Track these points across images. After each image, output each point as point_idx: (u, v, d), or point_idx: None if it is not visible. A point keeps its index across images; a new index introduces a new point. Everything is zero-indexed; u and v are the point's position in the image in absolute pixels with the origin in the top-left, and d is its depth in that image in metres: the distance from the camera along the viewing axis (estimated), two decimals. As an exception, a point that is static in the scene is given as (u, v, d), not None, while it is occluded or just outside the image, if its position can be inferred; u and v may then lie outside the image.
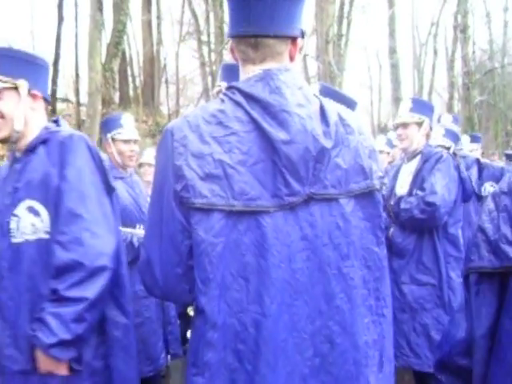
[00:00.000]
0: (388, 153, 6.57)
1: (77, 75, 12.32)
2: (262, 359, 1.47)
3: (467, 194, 3.94)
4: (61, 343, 1.98)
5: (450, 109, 22.75)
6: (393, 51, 19.63)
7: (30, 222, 2.11)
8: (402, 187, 3.91)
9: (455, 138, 5.11)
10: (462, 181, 3.86)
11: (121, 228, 3.63)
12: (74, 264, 2.02)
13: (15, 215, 2.13)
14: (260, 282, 1.48)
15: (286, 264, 1.49)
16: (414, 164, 3.91)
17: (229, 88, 1.61)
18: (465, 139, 7.22)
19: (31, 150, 2.20)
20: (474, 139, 7.27)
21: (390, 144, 6.57)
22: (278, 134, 1.50)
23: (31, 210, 2.12)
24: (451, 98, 23.10)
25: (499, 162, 7.92)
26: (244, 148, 1.50)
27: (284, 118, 1.52)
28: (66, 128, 2.34)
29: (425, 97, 24.38)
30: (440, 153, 3.82)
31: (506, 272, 1.36)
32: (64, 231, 2.05)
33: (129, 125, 4.07)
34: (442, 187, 3.65)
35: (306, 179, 1.51)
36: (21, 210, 2.12)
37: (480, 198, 5.30)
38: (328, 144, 1.54)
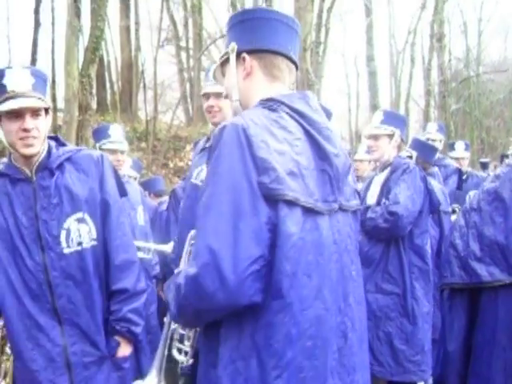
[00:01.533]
0: (369, 161, 6.62)
1: (53, 81, 12.19)
2: (329, 353, 1.61)
3: (433, 205, 4.00)
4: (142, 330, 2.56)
5: (426, 116, 22.97)
6: (370, 59, 19.82)
7: (85, 232, 2.44)
8: (372, 197, 3.97)
9: (424, 147, 5.17)
10: (428, 192, 3.92)
11: None
12: (129, 263, 2.53)
13: (64, 228, 2.40)
14: (320, 279, 1.60)
15: (331, 264, 1.66)
16: (385, 175, 3.97)
17: (270, 100, 1.72)
18: (459, 146, 7.22)
19: (57, 167, 2.44)
20: (467, 148, 7.25)
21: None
22: (329, 147, 1.70)
23: (82, 221, 2.43)
24: (428, 105, 23.32)
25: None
26: (307, 154, 1.65)
27: (328, 135, 1.73)
28: (72, 145, 2.70)
29: (402, 104, 24.60)
30: (407, 164, 3.89)
31: (477, 288, 1.38)
32: (117, 236, 2.51)
33: (117, 135, 4.14)
34: (405, 197, 3.72)
35: (341, 190, 1.74)
36: (70, 222, 2.41)
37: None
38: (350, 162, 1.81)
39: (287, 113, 1.68)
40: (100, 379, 2.48)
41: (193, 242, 1.76)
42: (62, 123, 10.24)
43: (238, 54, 1.80)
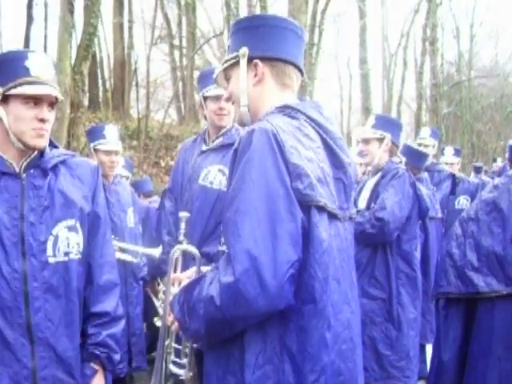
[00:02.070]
0: (360, 164, 6.61)
1: (45, 77, 12.10)
2: (358, 355, 1.71)
3: (423, 211, 4.00)
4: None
5: (418, 119, 23.09)
6: (363, 61, 19.88)
7: (75, 242, 2.19)
8: (363, 201, 3.97)
9: (414, 153, 5.18)
10: (417, 198, 3.91)
11: None
12: (113, 284, 2.32)
13: (53, 235, 2.12)
14: (346, 283, 1.69)
15: (350, 269, 1.76)
16: (376, 179, 3.98)
17: (287, 107, 1.73)
18: (448, 151, 7.27)
19: (52, 168, 2.20)
20: (456, 153, 7.32)
21: (361, 155, 6.61)
22: (344, 157, 1.75)
23: (72, 228, 2.18)
24: (419, 108, 23.45)
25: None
26: (327, 162, 1.69)
27: (341, 145, 1.77)
28: (62, 148, 2.43)
29: (394, 107, 24.70)
30: (397, 169, 3.88)
31: (473, 298, 1.38)
32: (103, 254, 2.30)
33: (112, 136, 4.13)
34: (392, 203, 3.72)
35: (350, 198, 1.79)
36: (60, 229, 2.14)
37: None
38: None
39: (305, 121, 1.71)
40: None
41: (222, 248, 1.80)
42: (54, 120, 10.19)
43: (249, 60, 1.79)
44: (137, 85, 17.39)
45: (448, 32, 26.14)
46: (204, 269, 1.93)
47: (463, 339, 1.41)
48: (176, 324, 1.73)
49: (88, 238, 2.25)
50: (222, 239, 1.75)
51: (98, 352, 2.22)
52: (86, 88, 11.13)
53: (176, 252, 2.10)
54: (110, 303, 2.28)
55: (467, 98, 25.77)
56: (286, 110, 1.72)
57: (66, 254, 2.14)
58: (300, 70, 1.87)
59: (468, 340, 1.41)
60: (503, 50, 30.99)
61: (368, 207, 3.88)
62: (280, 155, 1.54)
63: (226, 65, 1.88)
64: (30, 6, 12.42)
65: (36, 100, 2.11)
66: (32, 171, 2.16)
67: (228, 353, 1.59)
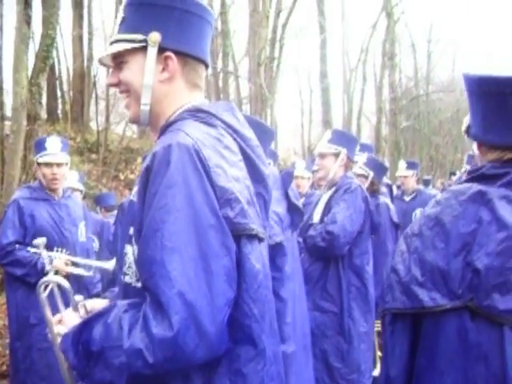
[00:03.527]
0: (308, 178, 6.65)
1: (1, 88, 11.88)
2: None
3: (374, 226, 4.06)
4: None
5: (377, 133, 23.43)
6: (323, 75, 20.06)
7: None
8: (318, 215, 4.00)
9: (377, 167, 5.23)
10: (369, 213, 3.96)
11: (29, 248, 3.64)
12: None
13: None
14: (272, 315, 1.51)
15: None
16: (330, 193, 4.02)
17: (199, 111, 1.49)
18: (401, 165, 7.41)
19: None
20: (410, 166, 7.43)
21: (309, 168, 6.66)
22: (264, 168, 1.53)
23: None
24: (379, 122, 23.82)
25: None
26: (248, 176, 1.48)
27: (259, 154, 1.55)
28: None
29: (354, 121, 25.05)
30: (350, 184, 3.92)
31: (419, 313, 1.38)
32: None
33: (53, 148, 4.06)
34: (343, 217, 3.76)
35: (268, 214, 1.61)
36: None
37: (398, 226, 5.39)
38: None
39: (223, 128, 1.48)
40: None
41: (129, 281, 1.46)
42: (10, 132, 9.98)
43: (159, 50, 1.50)
44: (96, 97, 17.20)
45: (406, 47, 26.73)
46: (78, 298, 1.69)
47: (410, 354, 1.42)
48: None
49: None
50: (128, 271, 1.44)
51: None
52: (44, 100, 10.96)
53: (44, 288, 1.74)
54: None
55: (425, 112, 26.32)
56: (199, 114, 1.48)
57: None
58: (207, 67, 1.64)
59: (414, 355, 1.41)
60: (460, 65, 31.74)
61: (321, 221, 3.91)
62: (206, 177, 1.32)
63: (122, 46, 1.53)
64: (-15, 17, 12.16)
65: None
66: None
67: None
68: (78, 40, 17.80)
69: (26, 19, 9.60)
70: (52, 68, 14.53)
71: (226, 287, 1.29)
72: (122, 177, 14.46)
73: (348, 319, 3.80)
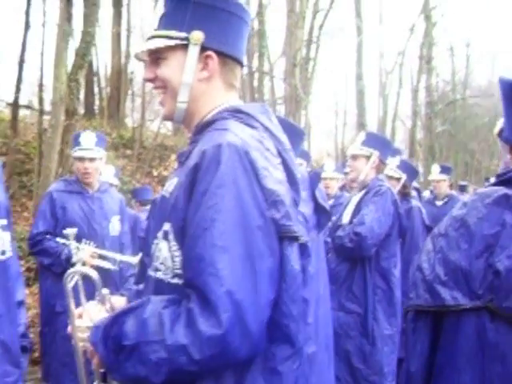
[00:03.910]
0: (337, 179, 6.66)
1: (41, 84, 12.15)
2: None
3: (402, 230, 4.04)
4: None
5: (412, 137, 23.24)
6: (359, 78, 19.99)
7: (8, 240, 2.24)
8: (347, 216, 4.02)
9: (410, 170, 5.21)
10: (398, 216, 3.95)
11: (58, 239, 3.75)
12: (19, 274, 2.42)
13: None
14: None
15: None
16: (360, 195, 4.03)
17: (238, 111, 1.50)
18: (435, 169, 7.30)
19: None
20: (443, 170, 7.30)
21: (339, 170, 6.67)
22: (296, 173, 1.52)
23: (5, 228, 2.24)
24: (414, 126, 23.62)
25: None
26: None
27: (292, 157, 1.54)
28: None
29: (388, 124, 24.85)
30: (380, 186, 3.92)
31: (440, 311, 1.41)
32: (13, 245, 2.30)
33: (87, 143, 4.16)
34: (371, 219, 3.77)
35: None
36: None
37: (431, 229, 5.37)
38: None
39: (263, 130, 1.49)
40: None
41: (157, 275, 1.47)
42: (48, 127, 10.20)
43: (200, 49, 1.51)
44: (132, 94, 17.44)
45: (443, 51, 26.41)
46: (104, 291, 1.70)
47: (430, 351, 1.45)
48: (96, 360, 1.48)
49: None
50: (161, 267, 1.45)
51: (25, 343, 2.30)
52: (82, 96, 11.16)
53: (70, 279, 1.73)
54: (22, 292, 2.37)
55: (462, 117, 25.96)
56: (238, 115, 1.49)
57: (3, 252, 2.18)
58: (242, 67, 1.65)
59: (435, 352, 1.44)
60: (499, 70, 31.20)
61: (351, 222, 3.93)
62: (254, 179, 1.33)
63: (162, 42, 1.53)
64: (27, 13, 12.45)
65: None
66: None
67: None
68: (116, 37, 18.08)
69: (67, 16, 9.81)
70: (90, 64, 14.79)
71: (269, 288, 1.31)
72: (155, 173, 14.64)
73: (372, 321, 3.81)
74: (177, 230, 1.39)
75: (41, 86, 12.07)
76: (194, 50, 1.49)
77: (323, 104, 34.30)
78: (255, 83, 19.30)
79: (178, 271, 1.39)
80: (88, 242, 4.04)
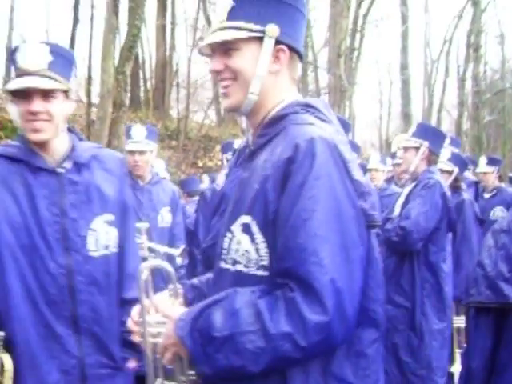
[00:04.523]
0: (383, 171, 6.60)
1: (89, 76, 12.39)
2: None
3: (451, 224, 3.95)
4: None
5: (458, 127, 22.75)
6: (404, 67, 19.71)
7: (114, 235, 2.24)
8: (398, 208, 3.97)
9: (461, 163, 5.11)
10: (447, 210, 3.87)
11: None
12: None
13: (92, 229, 2.18)
14: None
15: None
16: (411, 187, 3.98)
17: (308, 106, 1.54)
18: (481, 161, 7.13)
19: (86, 164, 2.22)
20: (491, 162, 7.11)
21: (384, 161, 6.59)
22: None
23: (111, 223, 2.23)
24: (460, 116, 23.10)
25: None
26: None
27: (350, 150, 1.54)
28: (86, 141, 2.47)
29: (434, 114, 24.36)
30: (430, 179, 3.85)
31: (502, 308, 1.40)
32: (132, 243, 2.35)
33: (136, 136, 4.22)
34: (418, 213, 3.70)
35: None
36: (98, 223, 2.19)
37: (483, 222, 5.28)
38: None
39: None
40: None
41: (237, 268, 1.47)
42: (96, 119, 10.41)
43: (275, 42, 1.52)
44: (177, 86, 17.62)
45: (492, 38, 25.70)
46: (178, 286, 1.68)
47: (492, 347, 1.43)
48: (169, 355, 1.49)
49: (121, 229, 2.29)
50: (242, 259, 1.46)
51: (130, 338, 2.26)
52: (128, 88, 11.34)
53: (143, 272, 1.67)
54: (133, 291, 2.19)
55: (510, 106, 25.25)
56: (309, 109, 1.52)
57: (107, 247, 2.21)
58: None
59: (497, 348, 1.43)
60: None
61: (400, 214, 3.88)
62: (344, 171, 1.39)
63: (237, 33, 1.53)
64: (76, 7, 12.70)
65: (24, 93, 2.02)
66: (68, 166, 2.17)
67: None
68: (161, 29, 18.28)
69: (114, 10, 9.97)
70: (136, 57, 14.99)
71: (360, 275, 1.36)
72: (200, 164, 14.79)
73: (420, 315, 3.76)
74: (262, 222, 1.41)
75: (89, 78, 12.31)
76: (269, 43, 1.51)
77: (367, 94, 33.87)
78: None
79: (264, 263, 1.41)
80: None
